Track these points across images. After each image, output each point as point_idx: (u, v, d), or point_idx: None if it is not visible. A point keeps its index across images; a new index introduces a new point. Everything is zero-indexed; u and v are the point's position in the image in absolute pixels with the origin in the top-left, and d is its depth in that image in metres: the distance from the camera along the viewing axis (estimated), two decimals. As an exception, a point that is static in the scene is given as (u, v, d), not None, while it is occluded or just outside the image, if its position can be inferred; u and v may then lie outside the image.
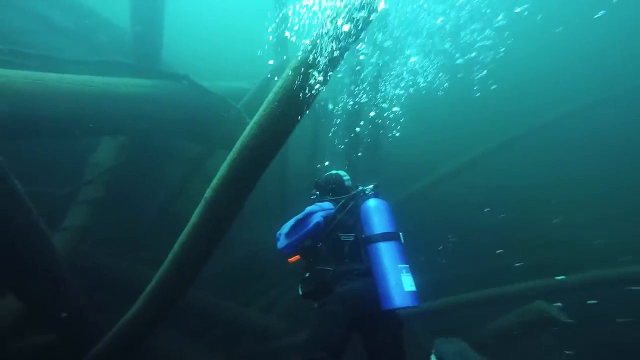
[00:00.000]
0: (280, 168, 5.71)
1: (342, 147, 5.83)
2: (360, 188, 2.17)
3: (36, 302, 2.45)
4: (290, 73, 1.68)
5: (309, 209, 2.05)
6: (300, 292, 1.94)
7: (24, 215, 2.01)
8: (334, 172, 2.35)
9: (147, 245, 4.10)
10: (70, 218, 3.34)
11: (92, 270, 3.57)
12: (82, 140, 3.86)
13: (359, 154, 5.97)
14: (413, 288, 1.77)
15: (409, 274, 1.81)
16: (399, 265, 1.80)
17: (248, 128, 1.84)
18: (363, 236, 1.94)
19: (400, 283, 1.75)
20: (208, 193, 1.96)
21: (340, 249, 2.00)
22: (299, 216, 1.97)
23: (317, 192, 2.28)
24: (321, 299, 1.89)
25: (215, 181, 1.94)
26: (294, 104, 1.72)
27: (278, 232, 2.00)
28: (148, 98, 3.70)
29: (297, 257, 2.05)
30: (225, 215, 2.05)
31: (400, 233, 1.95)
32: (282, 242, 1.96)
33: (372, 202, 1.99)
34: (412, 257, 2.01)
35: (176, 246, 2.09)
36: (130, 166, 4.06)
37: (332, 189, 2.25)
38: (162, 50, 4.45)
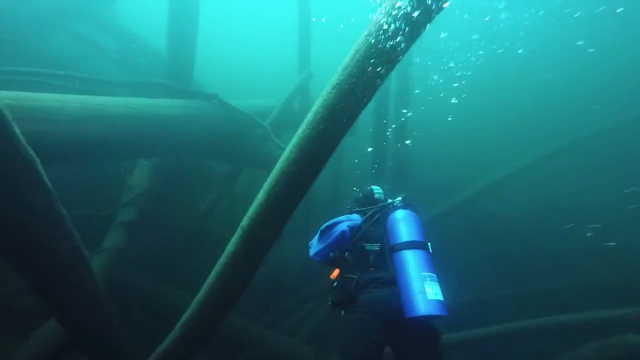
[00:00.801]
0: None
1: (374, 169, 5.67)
2: (390, 201, 2.22)
3: (75, 327, 2.47)
4: (331, 91, 1.55)
5: (336, 219, 2.11)
6: (330, 302, 1.99)
7: (68, 241, 2.04)
8: (370, 187, 2.41)
9: (178, 266, 4.14)
10: (108, 240, 3.43)
11: (127, 292, 3.62)
12: (122, 162, 4.02)
13: (385, 168, 5.85)
14: (438, 297, 1.73)
15: (436, 283, 1.78)
16: (423, 273, 1.78)
17: (287, 152, 1.73)
18: (389, 245, 1.94)
19: (424, 290, 1.73)
20: (245, 222, 1.87)
21: (365, 258, 2.02)
22: (324, 225, 2.07)
23: (349, 206, 2.38)
24: (347, 307, 1.92)
25: (252, 209, 1.84)
26: (337, 124, 1.58)
27: (310, 242, 2.11)
28: (182, 118, 3.79)
29: (337, 271, 2.09)
30: (263, 244, 1.94)
31: (429, 243, 1.94)
32: (311, 251, 2.09)
33: (399, 213, 2.01)
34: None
35: (212, 276, 2.01)
36: (163, 188, 4.16)
37: (361, 201, 2.33)
38: (193, 71, 4.61)
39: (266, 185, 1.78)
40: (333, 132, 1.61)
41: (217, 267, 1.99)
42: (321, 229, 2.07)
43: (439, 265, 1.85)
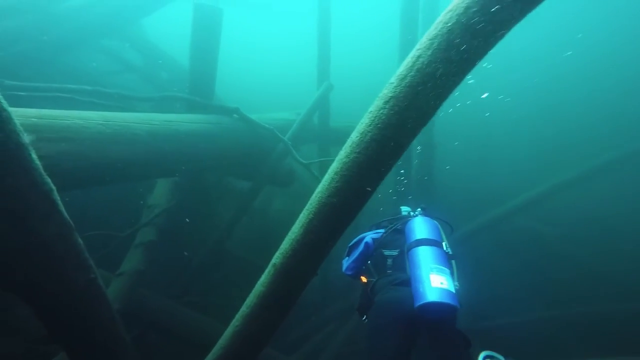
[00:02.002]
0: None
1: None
2: (411, 212, 2.37)
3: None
4: (383, 105, 1.27)
5: (362, 234, 2.26)
6: (355, 309, 2.08)
7: (84, 274, 1.86)
8: (400, 206, 2.51)
9: (197, 286, 3.97)
10: (127, 262, 3.30)
11: (144, 314, 3.45)
12: (143, 182, 3.94)
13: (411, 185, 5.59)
14: (445, 286, 1.72)
15: (445, 274, 1.78)
16: (432, 265, 1.80)
17: (327, 180, 1.47)
18: (405, 248, 2.00)
19: (429, 279, 1.74)
20: (277, 259, 1.62)
21: (384, 262, 2.09)
22: (352, 242, 2.25)
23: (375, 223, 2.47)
24: (368, 313, 1.96)
25: (286, 245, 1.59)
26: (388, 147, 1.32)
27: (343, 259, 2.27)
28: (204, 134, 3.67)
29: (363, 279, 2.17)
30: (298, 283, 1.68)
31: (444, 243, 1.99)
32: (343, 267, 2.25)
33: (417, 218, 2.11)
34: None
35: (237, 318, 1.76)
36: (183, 206, 4.04)
37: (388, 219, 2.41)
38: (215, 85, 4.55)
39: (302, 219, 1.53)
40: (386, 155, 1.34)
41: (245, 309, 1.74)
42: (349, 245, 2.25)
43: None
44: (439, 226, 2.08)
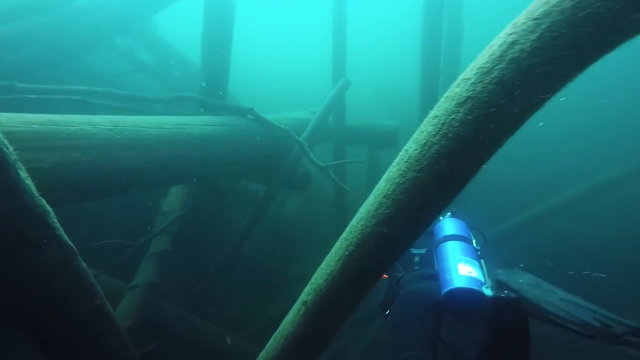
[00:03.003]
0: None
1: None
2: (441, 217, 2.28)
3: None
4: (454, 108, 0.94)
5: None
6: (379, 305, 2.07)
7: (88, 300, 1.66)
8: None
9: (213, 297, 3.81)
10: (141, 274, 3.14)
11: (161, 327, 3.30)
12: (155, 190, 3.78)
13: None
14: (473, 274, 1.69)
15: (473, 265, 1.74)
16: (461, 256, 1.79)
17: (372, 206, 1.13)
18: (434, 244, 2.01)
19: (457, 267, 1.73)
20: (309, 296, 1.34)
21: (411, 260, 2.14)
22: None
23: None
24: (390, 306, 1.96)
25: (319, 281, 1.30)
26: (462, 163, 0.99)
27: None
28: (219, 137, 3.43)
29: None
30: (333, 324, 1.40)
31: (474, 239, 1.98)
32: None
33: (446, 219, 2.12)
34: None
35: (262, 360, 1.51)
36: (198, 212, 3.86)
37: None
38: (228, 83, 4.33)
39: (341, 251, 1.24)
40: (459, 173, 1.01)
41: (270, 350, 1.48)
42: None
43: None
44: (465, 224, 2.09)
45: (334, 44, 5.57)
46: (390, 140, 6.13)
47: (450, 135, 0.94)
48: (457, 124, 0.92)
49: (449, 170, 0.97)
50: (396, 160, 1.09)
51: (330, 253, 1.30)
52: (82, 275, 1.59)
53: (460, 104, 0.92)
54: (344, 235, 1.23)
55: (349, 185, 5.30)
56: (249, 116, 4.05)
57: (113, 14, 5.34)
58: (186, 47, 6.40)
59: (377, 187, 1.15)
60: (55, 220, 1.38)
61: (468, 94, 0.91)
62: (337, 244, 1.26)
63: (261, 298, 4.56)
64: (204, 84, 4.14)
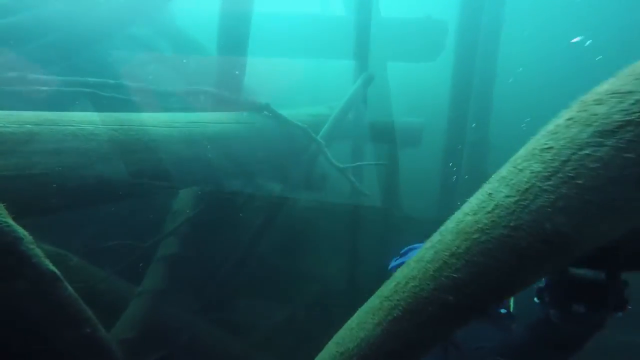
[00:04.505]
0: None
1: None
2: None
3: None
4: (589, 138, 0.57)
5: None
6: None
7: (74, 329, 1.46)
8: None
9: (223, 302, 3.66)
10: (148, 279, 2.99)
11: (167, 334, 3.16)
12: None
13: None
14: None
15: None
16: None
17: (430, 263, 0.82)
18: None
19: None
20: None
21: None
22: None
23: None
24: None
25: (346, 343, 1.00)
26: (591, 226, 0.64)
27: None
28: (233, 136, 3.20)
29: None
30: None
31: None
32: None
33: None
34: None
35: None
36: (209, 213, 3.67)
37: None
38: (245, 75, 4.06)
39: (381, 314, 0.92)
40: (583, 236, 0.66)
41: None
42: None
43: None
44: None
45: (357, 34, 5.20)
46: (414, 139, 5.77)
47: (580, 182, 0.58)
48: (596, 165, 0.57)
49: (572, 232, 0.62)
50: (471, 206, 0.75)
51: (363, 310, 0.99)
52: (67, 303, 1.38)
53: (606, 134, 0.56)
54: (385, 292, 0.92)
55: (364, 183, 4.98)
56: (265, 112, 3.79)
57: (130, 2, 5.16)
58: (204, 38, 6.17)
59: (438, 237, 0.82)
60: (31, 246, 1.15)
61: (622, 118, 0.55)
62: (376, 301, 0.95)
63: (270, 301, 4.39)
64: (218, 76, 3.90)
